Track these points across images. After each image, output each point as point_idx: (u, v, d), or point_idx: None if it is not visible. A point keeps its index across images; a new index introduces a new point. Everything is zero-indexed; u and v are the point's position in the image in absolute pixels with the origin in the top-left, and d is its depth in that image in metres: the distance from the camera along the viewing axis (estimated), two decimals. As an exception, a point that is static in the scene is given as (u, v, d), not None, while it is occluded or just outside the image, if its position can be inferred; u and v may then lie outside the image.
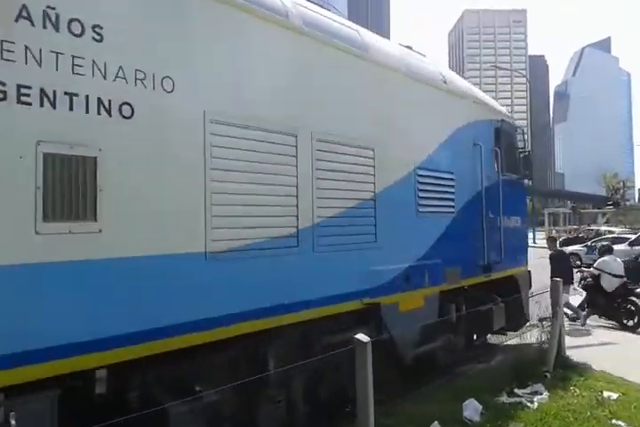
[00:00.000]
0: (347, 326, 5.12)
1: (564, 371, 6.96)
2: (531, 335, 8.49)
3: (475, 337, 7.97)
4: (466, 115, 7.36)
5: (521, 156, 8.90)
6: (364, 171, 5.38)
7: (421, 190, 6.26)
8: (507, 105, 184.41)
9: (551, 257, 10.96)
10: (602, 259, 11.05)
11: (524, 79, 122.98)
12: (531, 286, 9.55)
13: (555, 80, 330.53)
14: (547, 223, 56.42)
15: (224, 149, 3.99)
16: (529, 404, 5.78)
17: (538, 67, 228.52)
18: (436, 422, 4.90)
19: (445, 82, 7.02)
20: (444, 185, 6.75)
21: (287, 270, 4.46)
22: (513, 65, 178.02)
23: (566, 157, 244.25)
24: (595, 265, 11.14)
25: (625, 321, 10.41)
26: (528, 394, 6.07)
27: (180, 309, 3.63)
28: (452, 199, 6.90)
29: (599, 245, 15.71)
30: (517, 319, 8.82)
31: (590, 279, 11.05)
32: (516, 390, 6.14)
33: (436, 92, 6.78)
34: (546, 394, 6.04)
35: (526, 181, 9.34)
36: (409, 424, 5.12)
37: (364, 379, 3.88)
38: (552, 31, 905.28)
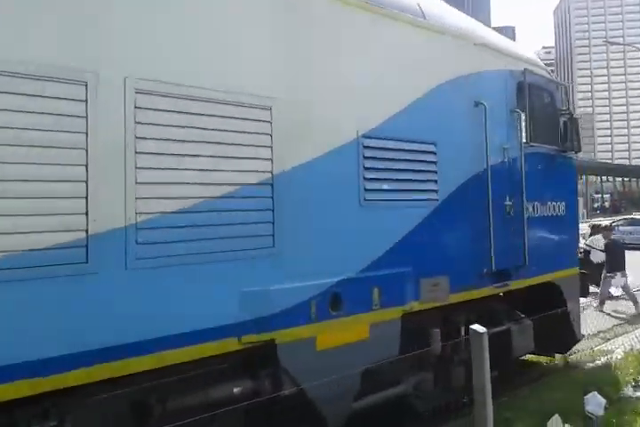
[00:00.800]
0: (209, 381, 3.37)
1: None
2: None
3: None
4: (461, 62, 5.24)
5: (563, 120, 6.57)
6: (249, 141, 3.57)
7: (370, 169, 4.31)
8: (620, 82, 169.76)
9: (607, 247, 11.47)
10: (593, 237, 12.53)
11: None
12: (586, 292, 7.27)
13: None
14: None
15: None
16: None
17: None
18: (556, 415, 4.44)
19: (424, 16, 4.96)
20: (417, 161, 4.72)
21: (66, 303, 2.77)
22: (626, 39, 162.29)
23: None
24: (586, 242, 12.21)
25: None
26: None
27: None
28: (434, 181, 4.86)
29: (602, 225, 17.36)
30: (563, 338, 6.61)
31: (581, 254, 11.20)
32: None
33: (406, 30, 4.75)
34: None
35: (575, 154, 6.94)
36: (528, 418, 4.99)
37: (482, 370, 3.81)
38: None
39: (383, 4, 4.52)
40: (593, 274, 10.80)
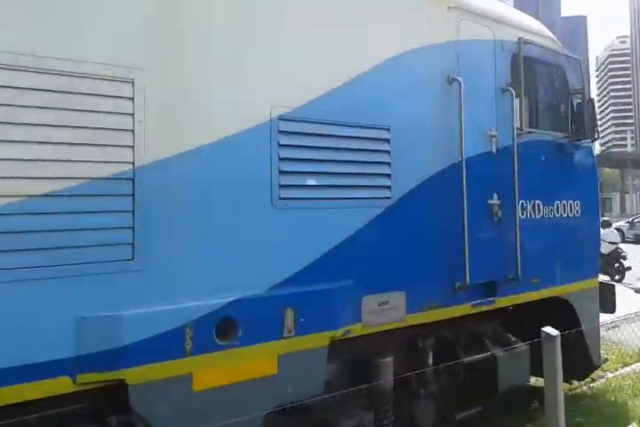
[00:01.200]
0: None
1: None
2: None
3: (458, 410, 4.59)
4: (430, 29, 4.26)
5: (576, 102, 5.42)
6: (99, 122, 2.77)
7: (289, 160, 3.42)
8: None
9: None
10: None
11: None
12: (613, 308, 6.14)
13: None
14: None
15: None
16: None
17: None
18: (634, 423, 4.55)
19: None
20: (361, 151, 3.77)
21: None
22: None
23: None
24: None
25: (615, 276, 14.23)
26: None
27: None
28: (386, 175, 3.91)
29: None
30: (577, 365, 5.50)
31: None
32: None
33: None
34: None
35: (592, 143, 5.74)
36: (604, 424, 4.93)
37: (554, 375, 3.81)
38: None
39: None
40: (601, 265, 11.18)
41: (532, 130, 4.90)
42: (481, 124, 4.50)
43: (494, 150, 4.60)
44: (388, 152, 3.91)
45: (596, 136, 5.52)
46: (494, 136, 4.59)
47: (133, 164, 2.84)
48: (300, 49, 3.53)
